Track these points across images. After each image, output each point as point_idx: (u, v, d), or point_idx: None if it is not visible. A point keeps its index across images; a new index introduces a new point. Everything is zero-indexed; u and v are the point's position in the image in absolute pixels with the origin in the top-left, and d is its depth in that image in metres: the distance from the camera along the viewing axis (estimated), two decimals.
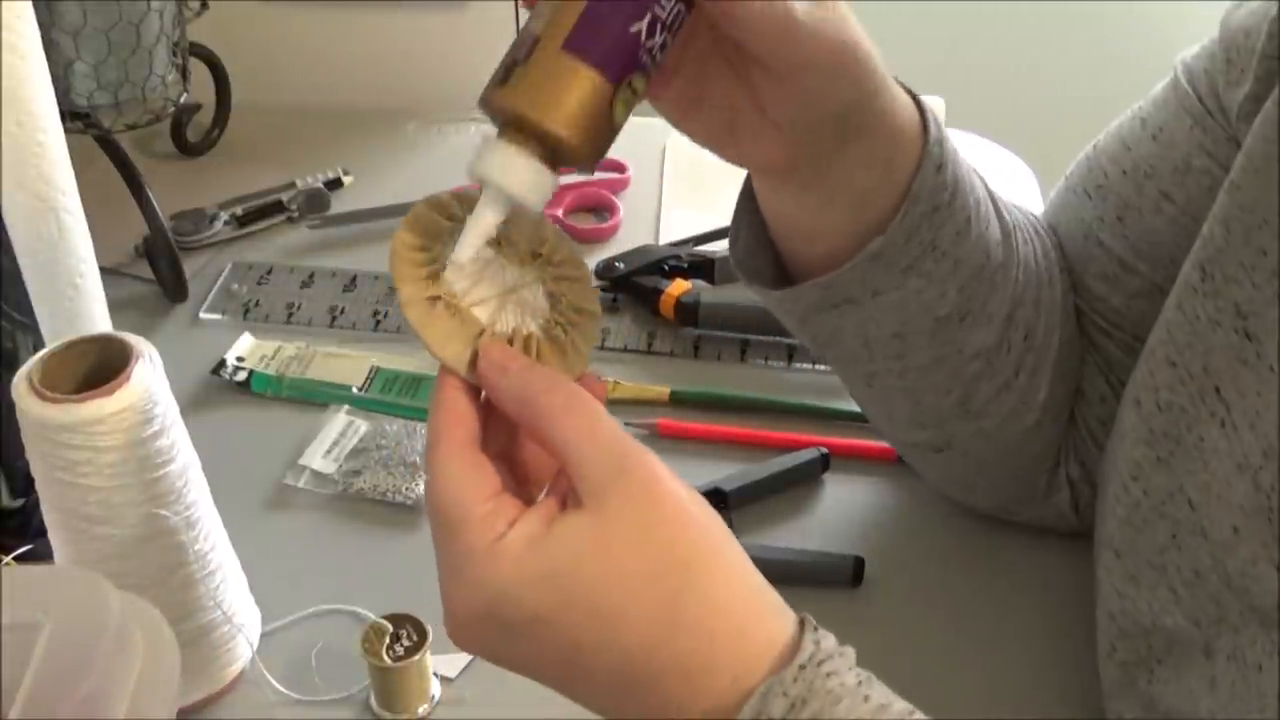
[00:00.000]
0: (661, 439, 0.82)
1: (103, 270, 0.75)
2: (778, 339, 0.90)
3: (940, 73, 1.26)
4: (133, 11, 0.86)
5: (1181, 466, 0.56)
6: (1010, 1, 1.88)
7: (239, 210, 1.03)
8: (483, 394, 0.49)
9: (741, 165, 0.59)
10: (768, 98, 0.54)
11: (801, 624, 0.47)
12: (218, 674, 0.66)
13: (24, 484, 0.69)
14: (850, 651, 0.46)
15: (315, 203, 1.05)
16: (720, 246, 0.96)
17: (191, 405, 0.84)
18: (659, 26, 0.48)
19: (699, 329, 0.91)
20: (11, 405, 0.58)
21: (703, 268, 0.94)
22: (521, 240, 0.52)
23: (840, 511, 0.78)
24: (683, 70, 0.55)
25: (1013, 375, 0.66)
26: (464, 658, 0.67)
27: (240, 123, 1.13)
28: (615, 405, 0.84)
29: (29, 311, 0.70)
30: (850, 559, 0.72)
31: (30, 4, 0.66)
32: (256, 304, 0.95)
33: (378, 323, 0.93)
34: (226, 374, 0.87)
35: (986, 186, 0.65)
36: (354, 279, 0.97)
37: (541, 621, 0.45)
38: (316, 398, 0.85)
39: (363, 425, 0.82)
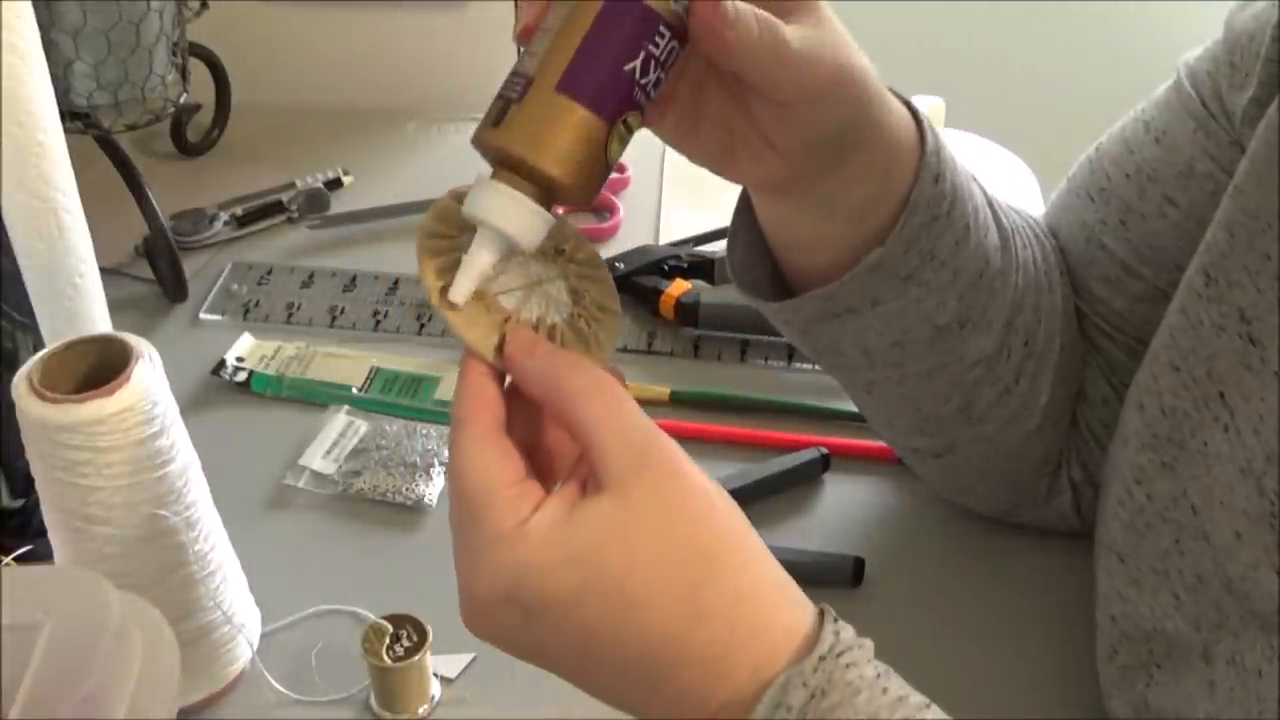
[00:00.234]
0: None
1: (103, 270, 0.75)
2: (778, 339, 0.90)
3: (940, 73, 1.26)
4: (132, 11, 0.86)
5: (1185, 471, 0.56)
6: (1010, 1, 1.88)
7: (239, 210, 1.03)
8: (506, 381, 0.49)
9: (740, 183, 0.60)
10: (765, 122, 0.54)
11: (821, 615, 0.47)
12: (218, 674, 0.66)
13: (24, 484, 0.69)
14: (869, 644, 0.47)
15: (315, 203, 1.05)
16: (720, 246, 0.96)
17: (191, 405, 0.84)
18: (653, 64, 0.48)
19: (699, 329, 0.91)
20: (11, 405, 0.58)
21: (703, 268, 0.94)
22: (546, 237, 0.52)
23: (840, 511, 0.78)
24: (680, 95, 0.55)
25: (1013, 381, 0.66)
26: (464, 658, 0.67)
27: (240, 123, 1.13)
28: None
29: (29, 311, 0.70)
30: (850, 559, 0.72)
31: (30, 4, 0.66)
32: (256, 304, 0.95)
33: (378, 323, 0.93)
34: (226, 374, 0.87)
35: (985, 193, 0.65)
36: (354, 279, 0.97)
37: (563, 606, 0.45)
38: (316, 398, 0.85)
39: (363, 425, 0.82)
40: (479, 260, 0.49)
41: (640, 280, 0.93)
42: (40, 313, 0.71)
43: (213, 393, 0.86)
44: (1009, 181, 1.11)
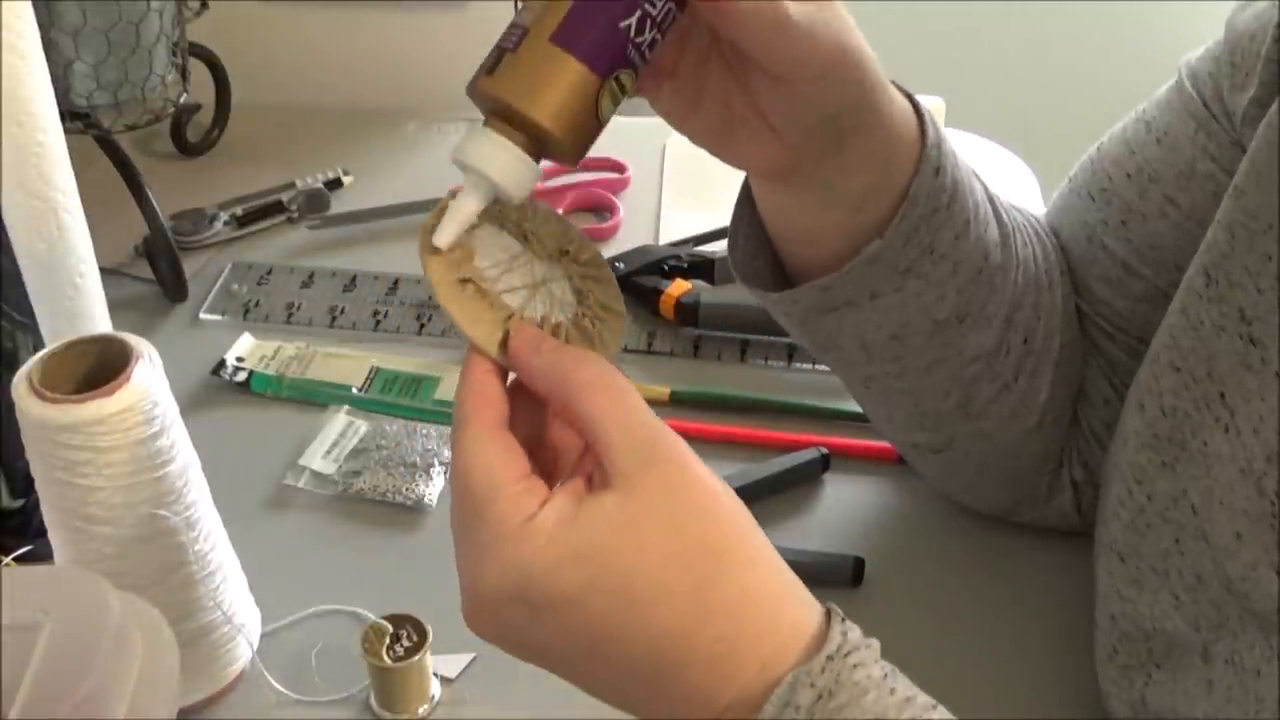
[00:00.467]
0: None
1: (103, 270, 0.75)
2: (777, 339, 0.90)
3: (940, 73, 1.27)
4: (132, 11, 0.86)
5: (1185, 471, 0.56)
6: (1010, 1, 1.88)
7: (239, 210, 1.03)
8: (509, 379, 0.49)
9: (739, 167, 0.59)
10: (764, 99, 0.54)
11: (828, 614, 0.47)
12: (218, 674, 0.66)
13: (24, 484, 0.69)
14: (875, 644, 0.46)
15: (315, 203, 1.05)
16: (720, 246, 0.96)
17: (191, 405, 0.84)
18: (649, 23, 0.48)
19: (699, 329, 0.91)
20: (11, 405, 0.58)
21: (703, 268, 0.94)
22: (549, 237, 0.53)
23: (840, 511, 0.78)
24: (680, 71, 0.55)
25: (1012, 378, 0.66)
26: (464, 658, 0.67)
27: (240, 123, 1.13)
28: None
29: (29, 311, 0.70)
30: (850, 559, 0.72)
31: (30, 4, 0.66)
32: (256, 304, 0.95)
33: (378, 323, 0.93)
34: (226, 374, 0.87)
35: (986, 189, 0.65)
36: (354, 279, 0.97)
37: (571, 603, 0.45)
38: (316, 398, 0.85)
39: (363, 425, 0.82)
40: (465, 206, 0.49)
41: (640, 280, 0.93)
42: (40, 313, 0.71)
43: (213, 393, 0.86)
44: (1009, 181, 1.11)
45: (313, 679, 0.66)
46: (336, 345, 0.90)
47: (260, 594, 0.69)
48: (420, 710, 0.65)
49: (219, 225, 1.02)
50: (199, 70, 1.04)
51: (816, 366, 0.88)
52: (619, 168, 1.08)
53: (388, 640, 0.63)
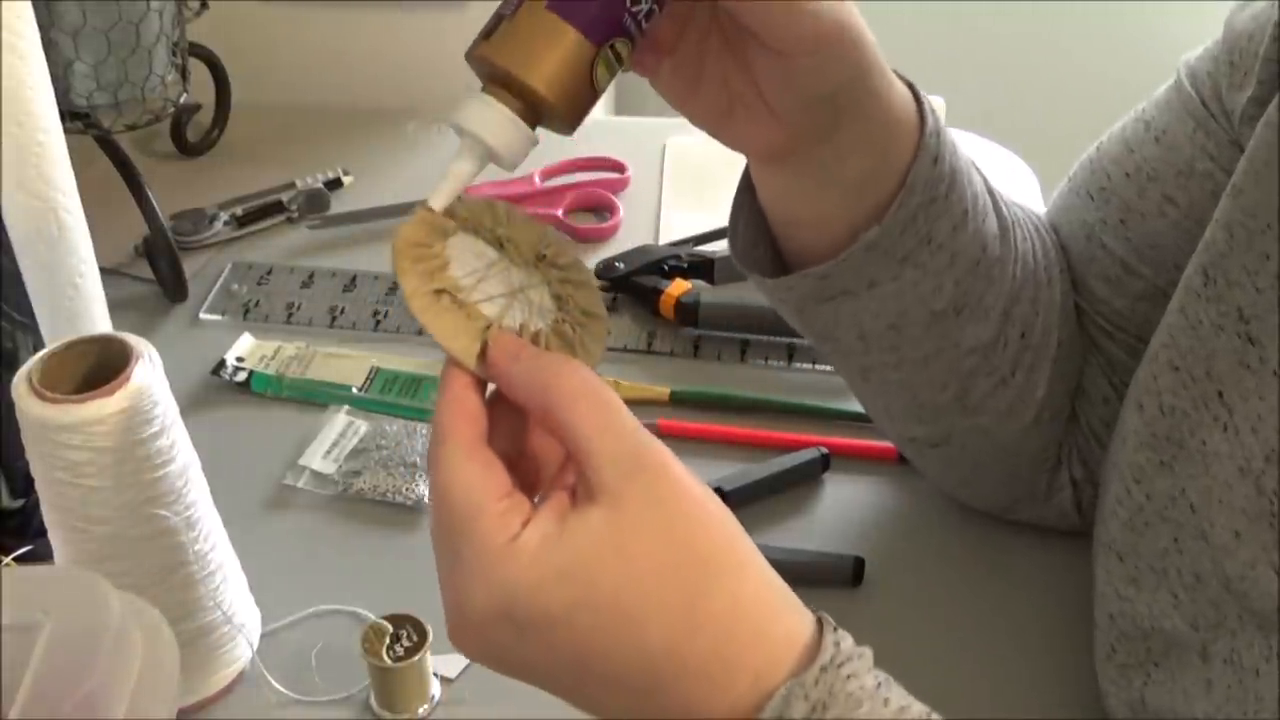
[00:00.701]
0: (661, 439, 0.82)
1: (103, 270, 0.75)
2: (778, 339, 0.90)
3: (940, 73, 1.26)
4: (132, 11, 0.86)
5: (1184, 470, 0.56)
6: (1011, 1, 1.88)
7: (239, 210, 1.03)
8: (488, 391, 0.49)
9: (738, 148, 0.60)
10: (762, 75, 0.54)
11: (820, 623, 0.46)
12: (218, 674, 0.66)
13: (24, 484, 0.69)
14: (868, 653, 0.46)
15: (315, 203, 1.05)
16: (720, 246, 0.96)
17: (191, 405, 0.84)
18: None
19: (699, 329, 0.91)
20: (11, 405, 0.58)
21: (703, 268, 0.94)
22: (525, 243, 0.52)
23: (840, 511, 0.78)
24: (681, 49, 0.55)
25: (1009, 373, 0.66)
26: (464, 658, 0.67)
27: (240, 123, 1.13)
28: None
29: (29, 311, 0.70)
30: (850, 559, 0.72)
31: (30, 4, 0.66)
32: (256, 304, 0.95)
33: (378, 323, 0.93)
34: (226, 374, 0.87)
35: (986, 182, 0.65)
36: (354, 279, 0.97)
37: (557, 622, 0.44)
38: (316, 398, 0.85)
39: (363, 425, 0.82)
40: (460, 170, 0.49)
41: (640, 280, 0.93)
42: (40, 313, 0.71)
43: (213, 393, 0.86)
44: (1009, 180, 1.11)
45: (313, 679, 0.66)
46: (336, 345, 0.90)
47: (260, 594, 0.69)
48: (420, 710, 0.65)
49: (219, 225, 1.02)
50: (199, 70, 1.05)
51: (816, 366, 0.88)
52: (619, 168, 1.08)
53: (388, 640, 0.63)
